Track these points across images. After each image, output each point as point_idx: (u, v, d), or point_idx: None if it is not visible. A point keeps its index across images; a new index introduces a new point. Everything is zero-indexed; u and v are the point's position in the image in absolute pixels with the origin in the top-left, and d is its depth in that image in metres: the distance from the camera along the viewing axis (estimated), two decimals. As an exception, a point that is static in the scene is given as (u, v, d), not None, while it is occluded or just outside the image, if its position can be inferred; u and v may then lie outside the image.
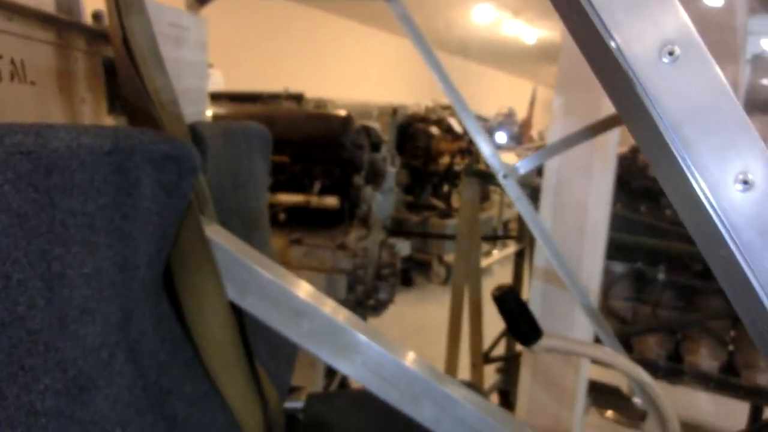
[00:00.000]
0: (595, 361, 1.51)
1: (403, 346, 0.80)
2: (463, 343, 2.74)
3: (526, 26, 10.95)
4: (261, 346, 0.93)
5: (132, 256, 0.65)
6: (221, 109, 2.40)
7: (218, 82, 4.38)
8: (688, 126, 0.45)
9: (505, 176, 1.42)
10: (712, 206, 0.46)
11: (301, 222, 2.36)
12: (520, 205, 1.45)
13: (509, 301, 0.91)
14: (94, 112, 0.86)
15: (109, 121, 0.89)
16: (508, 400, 3.06)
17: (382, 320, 3.15)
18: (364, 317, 2.86)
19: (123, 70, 0.77)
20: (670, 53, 0.45)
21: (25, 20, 0.72)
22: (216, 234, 0.80)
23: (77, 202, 0.55)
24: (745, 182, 0.45)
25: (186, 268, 0.77)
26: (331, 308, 0.79)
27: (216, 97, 2.64)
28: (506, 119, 9.98)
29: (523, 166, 1.41)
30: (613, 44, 0.46)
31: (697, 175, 0.46)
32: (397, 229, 5.03)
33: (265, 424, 0.87)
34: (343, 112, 2.39)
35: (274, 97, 2.58)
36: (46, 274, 0.51)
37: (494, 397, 3.11)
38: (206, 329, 0.78)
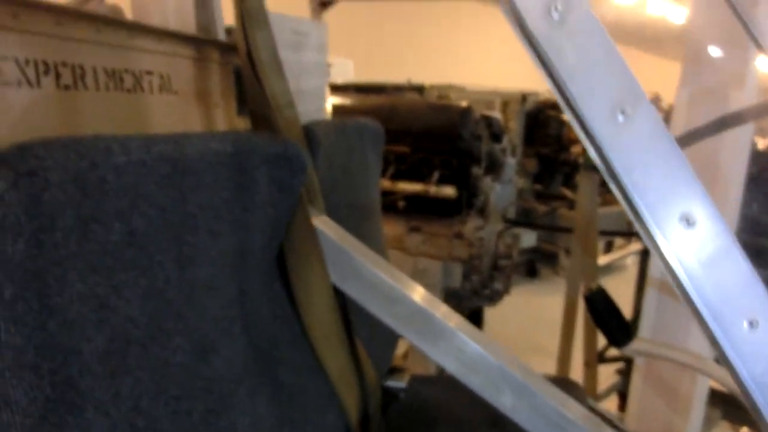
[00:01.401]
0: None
1: (486, 336, 0.86)
2: (580, 340, 2.70)
3: (673, 4, 10.20)
4: (362, 327, 1.02)
5: (249, 243, 0.77)
6: (347, 100, 2.54)
7: (348, 71, 4.55)
8: (636, 171, 0.51)
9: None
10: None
11: (419, 210, 2.45)
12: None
13: (599, 302, 0.93)
14: (226, 115, 1.00)
15: (238, 121, 1.03)
16: (626, 403, 2.97)
17: (503, 310, 3.17)
18: (479, 306, 2.91)
19: (247, 80, 0.89)
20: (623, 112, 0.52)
21: (172, 42, 0.87)
22: (322, 224, 0.91)
23: (205, 197, 0.67)
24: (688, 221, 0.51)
25: (295, 253, 0.88)
26: (421, 296, 0.87)
27: (343, 89, 2.79)
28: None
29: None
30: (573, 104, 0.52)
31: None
32: (523, 218, 4.97)
33: (361, 397, 0.97)
34: (463, 103, 2.44)
35: (397, 89, 2.68)
36: (180, 256, 0.64)
37: (612, 399, 3.02)
38: (312, 309, 0.89)
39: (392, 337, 1.27)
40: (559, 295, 2.86)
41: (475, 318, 3.15)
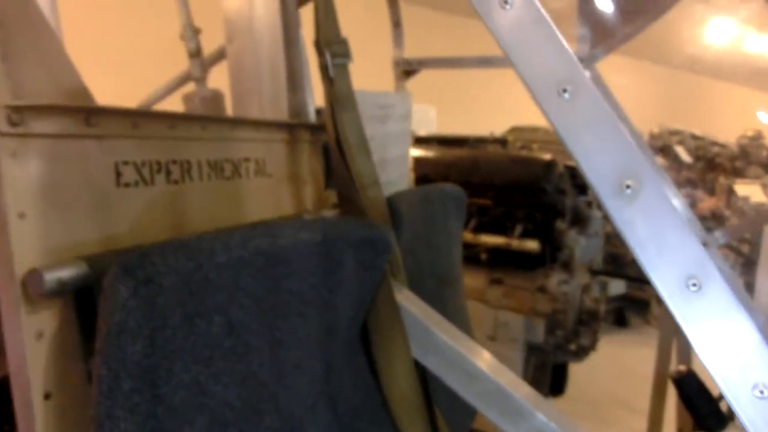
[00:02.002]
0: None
1: (569, 415, 0.85)
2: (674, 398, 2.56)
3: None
4: (442, 397, 1.04)
5: (335, 322, 0.81)
6: (429, 153, 2.59)
7: (430, 118, 4.61)
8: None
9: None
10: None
11: (501, 262, 2.44)
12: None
13: (689, 386, 0.91)
14: (314, 191, 1.06)
15: (326, 195, 1.09)
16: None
17: (589, 361, 3.06)
18: (563, 361, 2.83)
19: (334, 161, 0.95)
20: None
21: (268, 129, 0.94)
22: (405, 299, 0.94)
23: (295, 284, 0.72)
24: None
25: (379, 327, 0.92)
26: (501, 374, 0.88)
27: (425, 141, 2.85)
28: (752, 143, 8.81)
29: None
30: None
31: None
32: (611, 265, 4.80)
33: (442, 467, 0.98)
34: (546, 156, 2.43)
35: (480, 141, 2.70)
36: (272, 340, 0.68)
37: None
38: (394, 381, 0.92)
39: (471, 408, 1.27)
40: (650, 346, 2.73)
41: (560, 372, 3.07)
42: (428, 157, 2.63)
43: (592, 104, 0.53)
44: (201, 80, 1.29)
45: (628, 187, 0.54)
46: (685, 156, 5.90)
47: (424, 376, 0.97)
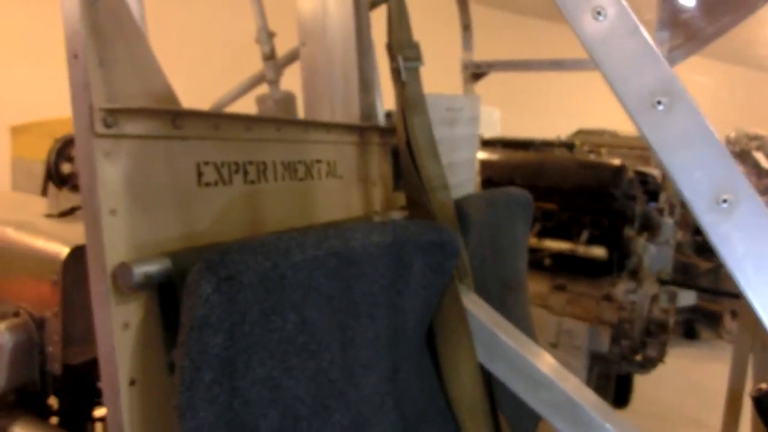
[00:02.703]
0: None
1: (636, 428, 0.83)
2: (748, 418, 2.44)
3: None
4: (507, 402, 1.03)
5: (402, 324, 0.82)
6: (494, 156, 2.56)
7: (494, 119, 4.56)
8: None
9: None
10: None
11: (566, 268, 2.39)
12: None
13: (768, 403, 0.86)
14: (383, 192, 1.07)
15: (394, 197, 1.10)
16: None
17: (656, 375, 2.96)
18: (629, 372, 2.74)
19: (404, 164, 0.95)
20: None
21: (339, 131, 0.96)
22: (471, 303, 0.94)
23: (366, 285, 0.73)
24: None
25: (445, 331, 0.92)
26: (569, 383, 0.86)
27: (490, 144, 2.82)
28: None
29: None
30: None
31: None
32: (681, 276, 4.62)
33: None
34: (616, 162, 2.36)
35: (546, 145, 2.65)
36: (342, 339, 0.70)
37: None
38: (459, 384, 0.92)
39: (536, 414, 1.25)
40: (722, 362, 2.60)
41: (624, 383, 2.97)
42: (493, 159, 2.60)
43: (689, 115, 0.51)
44: (274, 83, 1.33)
45: (725, 201, 0.52)
46: (765, 162, 5.60)
47: (489, 381, 0.96)
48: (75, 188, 1.48)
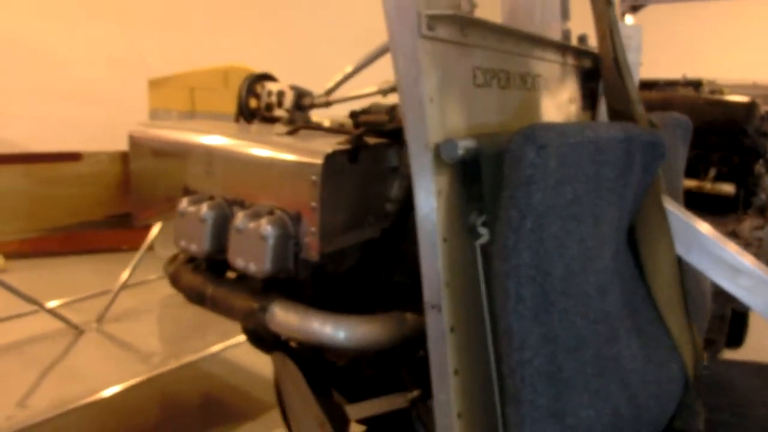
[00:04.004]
0: None
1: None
2: None
3: None
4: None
5: (623, 210, 0.94)
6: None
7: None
8: None
9: None
10: None
11: (692, 206, 2.42)
12: None
13: None
14: (576, 109, 1.19)
15: (583, 116, 1.21)
16: None
17: None
18: (744, 312, 2.77)
19: (610, 80, 1.06)
20: None
21: (552, 50, 1.07)
22: (668, 202, 1.05)
23: (609, 171, 0.85)
24: None
25: (647, 226, 1.04)
26: (765, 271, 0.97)
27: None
28: None
29: None
30: None
31: None
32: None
33: (694, 359, 1.09)
34: (746, 98, 2.36)
35: (670, 84, 2.65)
36: (593, 215, 0.83)
37: None
38: (658, 272, 1.04)
39: (706, 314, 1.36)
40: None
41: (739, 323, 3.01)
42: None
43: None
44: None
45: None
46: None
47: (680, 276, 1.07)
48: (264, 120, 1.67)
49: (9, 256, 3.60)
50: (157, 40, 4.55)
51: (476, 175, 0.75)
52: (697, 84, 2.71)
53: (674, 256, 1.04)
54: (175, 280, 1.25)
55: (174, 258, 1.34)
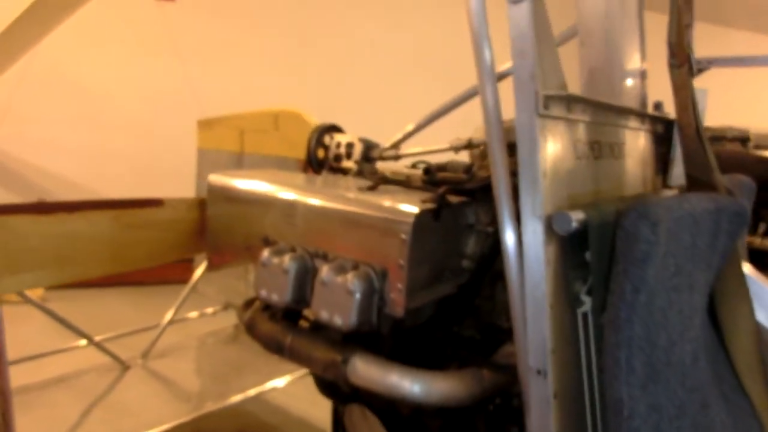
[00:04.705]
0: None
1: None
2: None
3: None
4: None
5: (709, 279, 0.97)
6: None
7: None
8: None
9: None
10: None
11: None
12: None
13: None
14: (651, 174, 1.22)
15: (657, 180, 1.24)
16: None
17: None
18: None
19: (691, 149, 1.09)
20: None
21: (633, 118, 1.11)
22: (747, 268, 1.07)
23: (701, 241, 0.88)
24: None
25: (726, 290, 1.06)
26: None
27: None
28: None
29: None
30: None
31: None
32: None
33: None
34: (797, 156, 2.37)
35: (717, 138, 2.67)
36: (689, 284, 0.86)
37: None
38: (737, 338, 1.05)
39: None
40: None
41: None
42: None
43: None
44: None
45: None
46: None
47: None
48: (333, 170, 1.72)
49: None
50: (210, 79, 4.69)
51: (581, 245, 0.79)
52: (744, 139, 2.73)
53: (754, 322, 1.05)
54: (250, 328, 1.28)
55: (248, 305, 1.37)
